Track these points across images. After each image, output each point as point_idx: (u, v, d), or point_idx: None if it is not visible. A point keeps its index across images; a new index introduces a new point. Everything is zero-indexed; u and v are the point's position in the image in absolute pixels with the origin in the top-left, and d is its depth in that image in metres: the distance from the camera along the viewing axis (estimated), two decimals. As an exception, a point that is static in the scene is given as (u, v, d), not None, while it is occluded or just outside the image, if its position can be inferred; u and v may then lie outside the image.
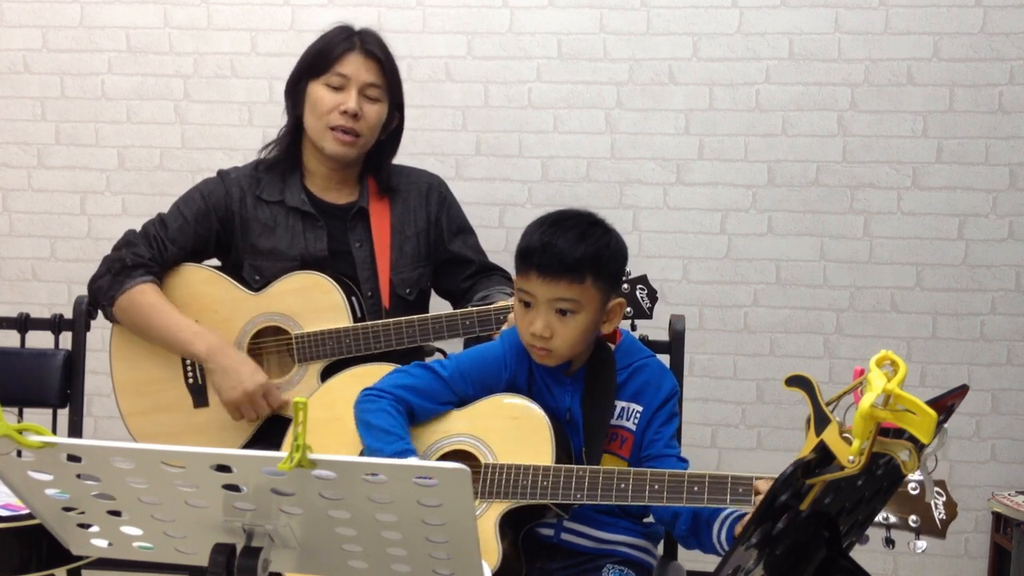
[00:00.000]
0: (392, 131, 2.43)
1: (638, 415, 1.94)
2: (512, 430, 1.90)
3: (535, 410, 1.89)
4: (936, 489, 1.61)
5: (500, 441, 1.90)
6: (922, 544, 1.59)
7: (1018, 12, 2.88)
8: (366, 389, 1.97)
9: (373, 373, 2.12)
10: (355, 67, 2.31)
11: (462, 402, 1.97)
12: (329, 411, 2.08)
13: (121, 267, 2.32)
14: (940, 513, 1.60)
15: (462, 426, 1.94)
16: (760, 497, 1.68)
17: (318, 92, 2.32)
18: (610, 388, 1.92)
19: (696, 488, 1.74)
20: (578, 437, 1.93)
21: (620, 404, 1.95)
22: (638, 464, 1.94)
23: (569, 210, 1.93)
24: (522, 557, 1.87)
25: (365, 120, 2.32)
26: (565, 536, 1.94)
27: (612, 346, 1.98)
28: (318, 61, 2.33)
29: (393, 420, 1.90)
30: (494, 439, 1.91)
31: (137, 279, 2.30)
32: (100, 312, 2.38)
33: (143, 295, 2.29)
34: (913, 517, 1.61)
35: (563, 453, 1.87)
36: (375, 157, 2.42)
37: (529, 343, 1.89)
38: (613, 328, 1.95)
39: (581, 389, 1.94)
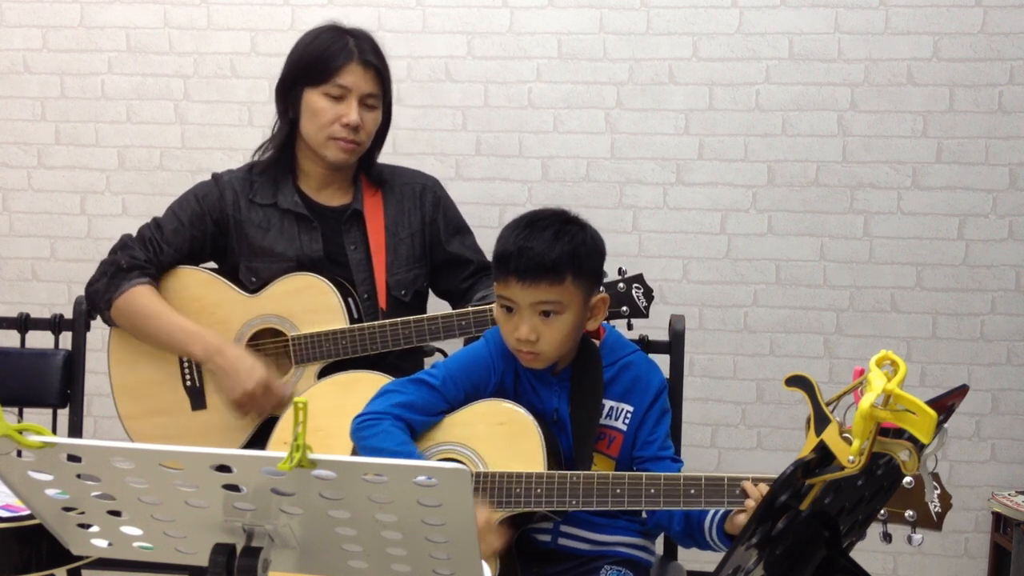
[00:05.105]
0: (381, 124, 2.42)
1: (628, 415, 1.94)
2: (501, 436, 1.88)
3: (522, 414, 1.87)
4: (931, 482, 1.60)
5: (489, 448, 1.88)
6: (919, 537, 1.59)
7: (1018, 12, 2.87)
8: (359, 415, 1.94)
9: (353, 382, 2.10)
10: (355, 78, 2.30)
11: (450, 408, 1.95)
12: (309, 420, 2.04)
13: (116, 269, 2.32)
14: (936, 506, 1.59)
15: (449, 434, 1.92)
16: (752, 499, 1.68)
17: (318, 103, 2.31)
18: (597, 387, 1.91)
19: (693, 491, 1.73)
20: (566, 438, 1.92)
21: (608, 403, 1.94)
22: (629, 464, 1.93)
23: (542, 210, 1.91)
24: (517, 562, 1.86)
25: (365, 129, 2.34)
26: (562, 541, 1.93)
27: (596, 342, 1.97)
28: (316, 69, 2.30)
29: (400, 437, 1.87)
30: (483, 446, 1.88)
31: (133, 281, 2.30)
32: (98, 316, 2.38)
33: (139, 297, 2.29)
34: (909, 512, 1.60)
35: (553, 456, 1.85)
36: (367, 152, 2.42)
37: (515, 348, 1.88)
38: (598, 324, 1.94)
39: (568, 389, 1.93)
